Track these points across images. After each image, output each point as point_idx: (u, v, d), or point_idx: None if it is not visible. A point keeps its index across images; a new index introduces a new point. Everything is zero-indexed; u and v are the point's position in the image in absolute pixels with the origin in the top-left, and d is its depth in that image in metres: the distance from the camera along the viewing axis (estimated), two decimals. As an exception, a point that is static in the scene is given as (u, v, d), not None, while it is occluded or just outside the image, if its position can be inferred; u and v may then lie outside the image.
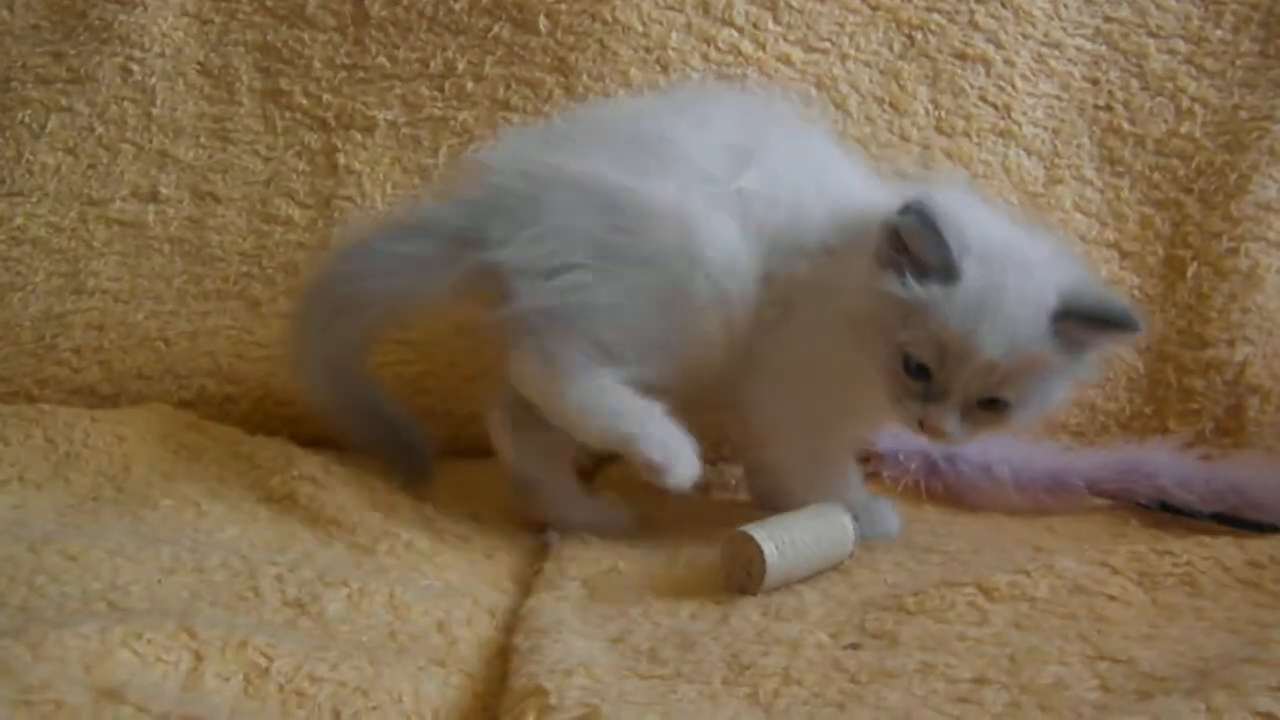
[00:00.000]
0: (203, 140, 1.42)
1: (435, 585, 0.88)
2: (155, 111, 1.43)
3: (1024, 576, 0.81)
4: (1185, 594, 0.81)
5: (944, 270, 0.93)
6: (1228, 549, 0.86)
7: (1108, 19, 1.40)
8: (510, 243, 1.03)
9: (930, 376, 0.95)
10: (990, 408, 0.96)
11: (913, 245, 0.93)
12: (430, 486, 1.11)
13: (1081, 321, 0.95)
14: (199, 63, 1.45)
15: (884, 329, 0.95)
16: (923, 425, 0.97)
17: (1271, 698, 0.56)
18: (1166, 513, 1.09)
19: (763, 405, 1.05)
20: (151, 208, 1.40)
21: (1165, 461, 1.12)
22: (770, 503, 1.03)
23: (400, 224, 1.12)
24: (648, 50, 1.37)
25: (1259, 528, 1.01)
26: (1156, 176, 1.36)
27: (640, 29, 1.37)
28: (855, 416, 1.07)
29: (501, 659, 0.77)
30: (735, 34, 1.38)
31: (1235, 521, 1.05)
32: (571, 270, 1.02)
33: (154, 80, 1.44)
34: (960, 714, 0.62)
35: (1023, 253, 0.96)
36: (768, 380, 1.04)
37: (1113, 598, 0.80)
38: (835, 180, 1.07)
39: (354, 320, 1.10)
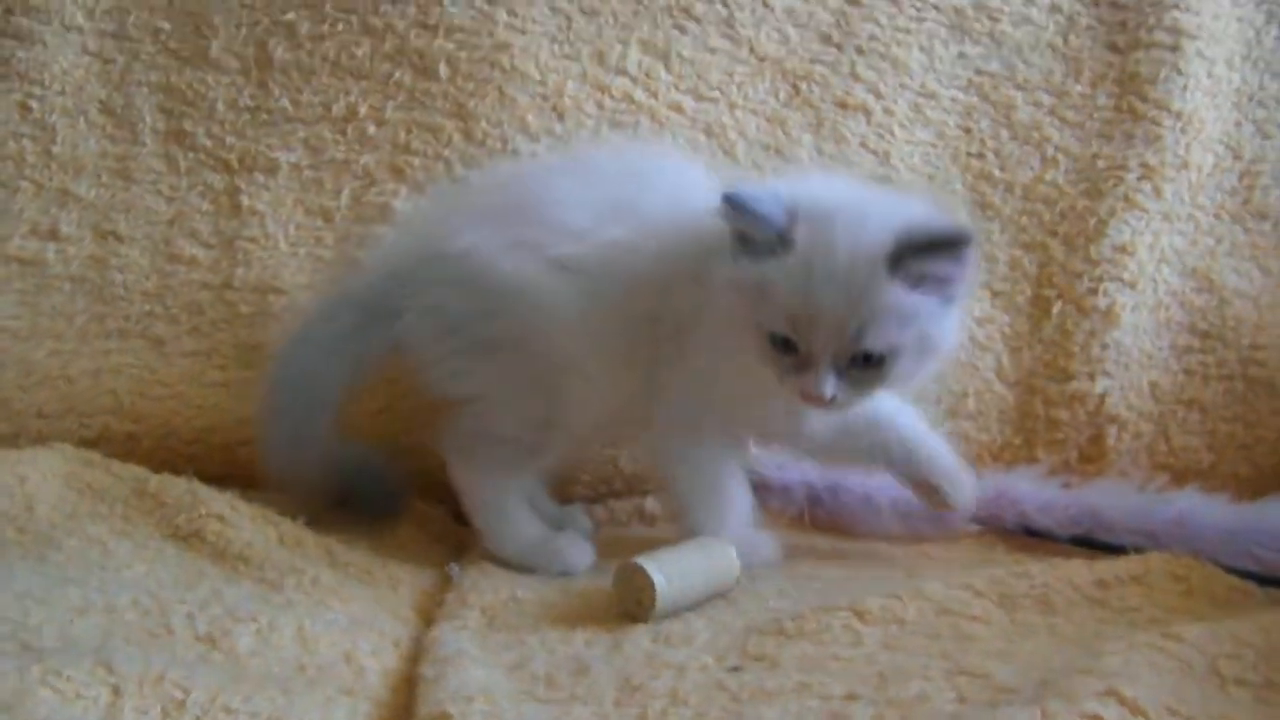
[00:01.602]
0: (104, 179, 1.43)
1: (341, 618, 0.91)
2: (55, 149, 1.43)
3: (895, 600, 0.88)
4: (1040, 612, 0.89)
5: (778, 243, 0.98)
6: (1079, 570, 0.94)
7: (979, 72, 1.48)
8: (405, 316, 1.13)
9: (795, 348, 0.99)
10: (866, 365, 0.99)
11: (742, 231, 1.00)
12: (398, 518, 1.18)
13: (916, 254, 0.97)
14: (100, 101, 1.45)
15: (745, 317, 1.00)
16: (803, 396, 1.00)
17: (1099, 702, 0.63)
18: (1030, 537, 1.17)
19: (665, 436, 1.11)
20: (52, 246, 1.40)
21: (1028, 489, 1.20)
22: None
23: (326, 299, 1.22)
24: (544, 98, 1.42)
25: (1111, 549, 1.09)
26: (1024, 220, 1.44)
27: (537, 77, 1.42)
28: (756, 424, 1.12)
29: (407, 687, 0.81)
30: (629, 83, 1.43)
31: (1091, 544, 1.13)
32: (451, 357, 1.12)
33: (54, 118, 1.44)
34: (830, 729, 0.68)
35: (859, 208, 1.00)
36: (669, 409, 1.09)
37: (975, 618, 0.87)
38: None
39: (311, 402, 1.16)
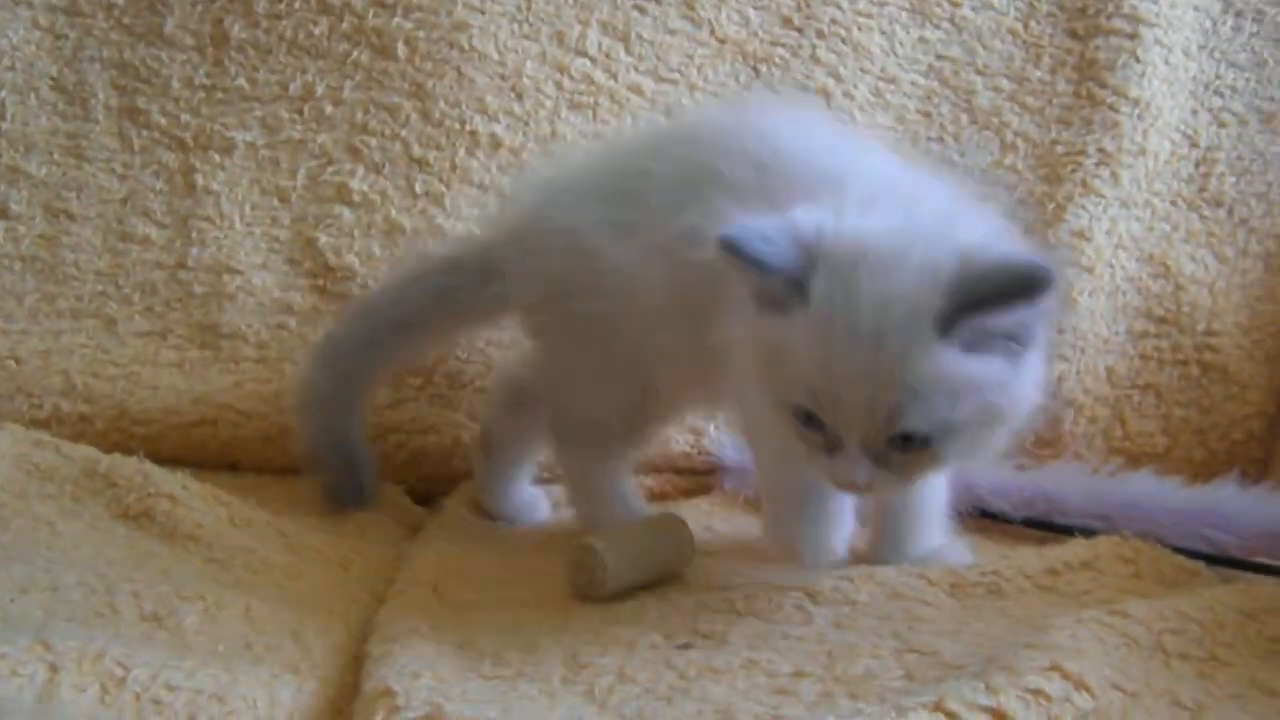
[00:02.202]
0: (56, 157, 1.42)
1: (290, 597, 0.91)
2: (5, 126, 1.42)
3: (847, 582, 0.88)
4: (990, 598, 0.89)
5: (794, 291, 0.80)
6: (1030, 558, 0.94)
7: (939, 57, 1.49)
8: (510, 279, 1.10)
9: (820, 424, 0.81)
10: (908, 447, 0.80)
11: (747, 280, 0.82)
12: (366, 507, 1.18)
13: (976, 309, 0.76)
14: (52, 78, 1.44)
15: (763, 383, 0.84)
16: (834, 482, 0.84)
17: (1044, 677, 0.63)
18: (985, 519, 1.18)
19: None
20: (1, 224, 1.39)
21: (983, 472, 1.20)
22: None
23: (433, 255, 1.26)
24: (503, 78, 1.41)
25: (1065, 530, 1.10)
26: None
27: (496, 57, 1.42)
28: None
29: (354, 666, 0.80)
30: (588, 64, 1.43)
31: (1044, 525, 1.13)
32: (549, 329, 1.10)
33: (3, 94, 1.42)
34: (777, 704, 0.68)
35: (899, 241, 0.79)
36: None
37: (926, 602, 0.87)
38: None
39: (398, 338, 1.17)
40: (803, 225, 0.80)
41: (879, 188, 0.86)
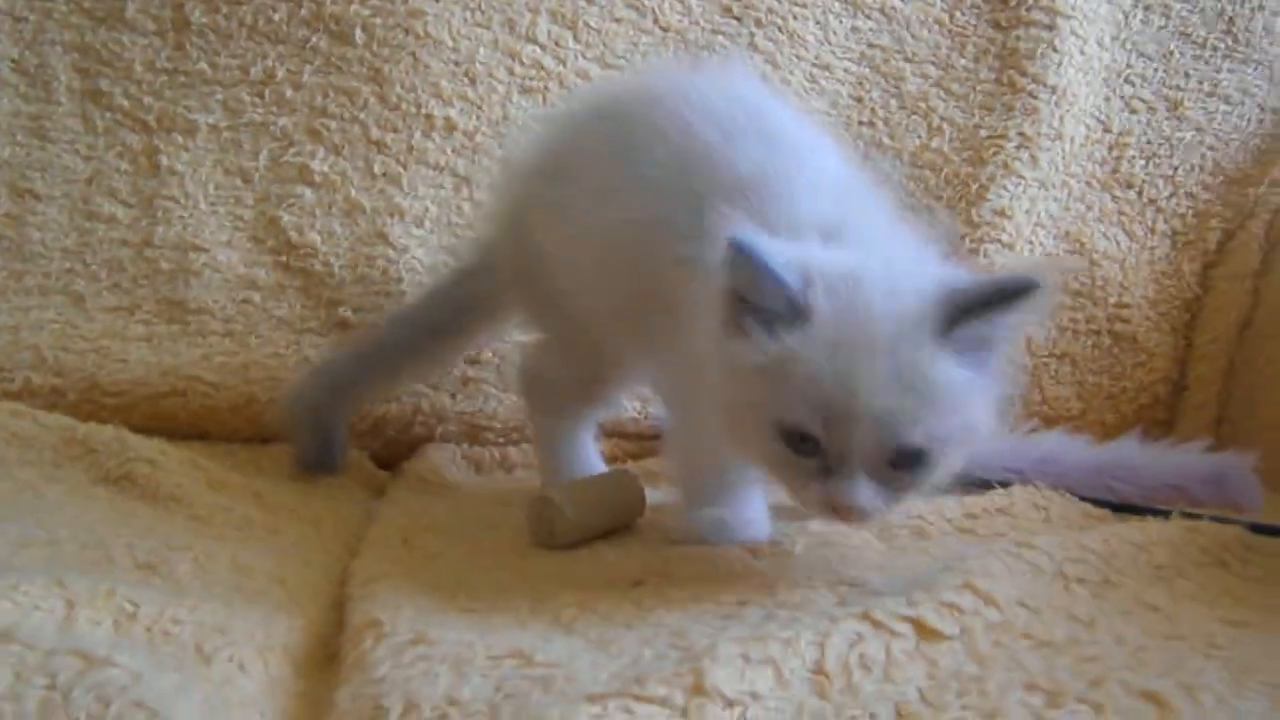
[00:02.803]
0: (19, 138, 1.45)
1: (272, 550, 0.97)
2: (-33, 108, 1.45)
3: (784, 537, 0.96)
4: (914, 539, 0.98)
5: (791, 312, 0.78)
6: (950, 505, 1.03)
7: (871, 45, 1.57)
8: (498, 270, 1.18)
9: (820, 447, 0.78)
10: (905, 463, 0.79)
11: (749, 293, 0.79)
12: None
13: (977, 314, 0.78)
14: (13, 60, 1.47)
15: (755, 409, 0.80)
16: (835, 511, 0.80)
17: (956, 593, 0.72)
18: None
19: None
20: (-34, 205, 1.42)
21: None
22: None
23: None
24: (457, 64, 1.47)
25: (984, 484, 1.18)
26: (911, 185, 1.53)
27: (450, 43, 1.48)
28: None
29: (337, 609, 0.87)
30: (538, 50, 1.50)
31: (966, 480, 1.22)
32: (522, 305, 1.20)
33: (-36, 77, 1.45)
34: (725, 626, 0.76)
35: (869, 264, 0.80)
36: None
37: (856, 546, 0.95)
38: None
39: (434, 342, 1.26)
40: (788, 251, 0.80)
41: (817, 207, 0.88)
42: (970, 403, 0.79)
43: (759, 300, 0.78)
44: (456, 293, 1.24)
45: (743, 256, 0.77)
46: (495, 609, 0.81)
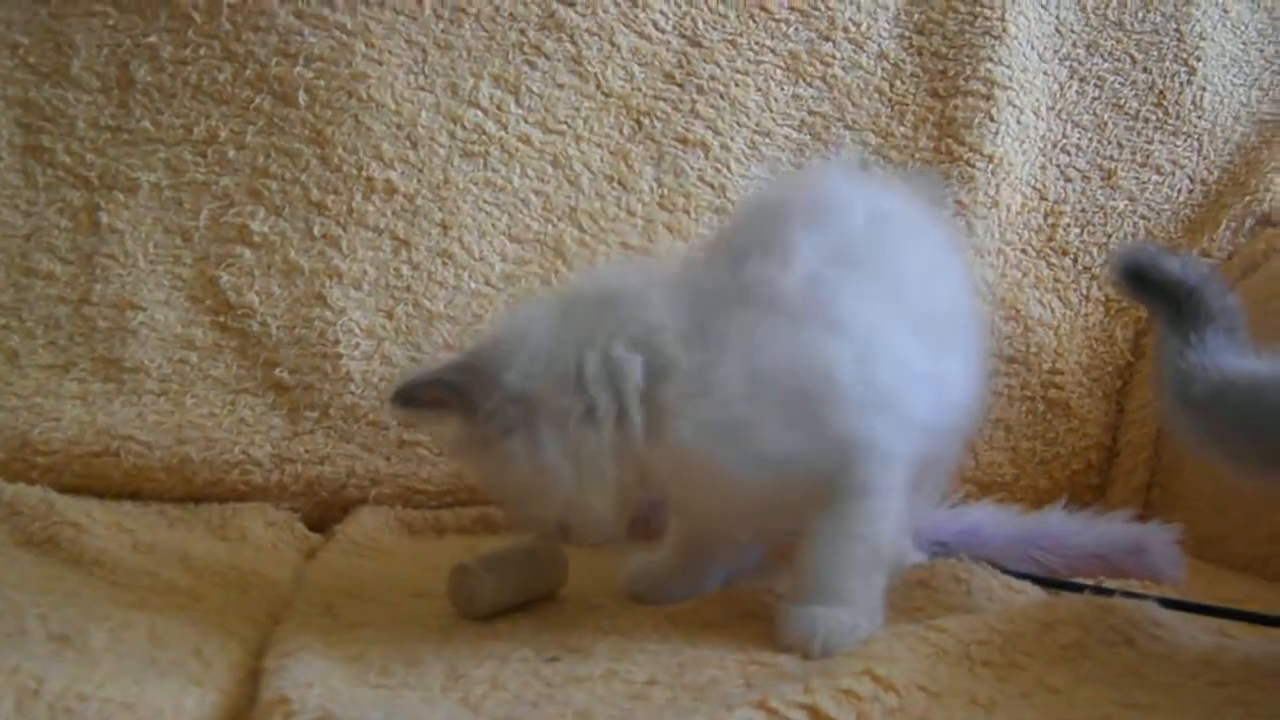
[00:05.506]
0: (-42, 193, 1.45)
1: (191, 616, 0.97)
2: (-94, 161, 1.44)
3: (705, 604, 0.97)
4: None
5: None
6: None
7: (811, 112, 1.60)
8: None
9: None
10: None
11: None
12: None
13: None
14: (-46, 115, 1.48)
15: None
16: None
17: (855, 680, 0.73)
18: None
19: None
20: (-99, 259, 1.42)
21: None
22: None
23: None
24: (399, 126, 1.49)
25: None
26: (850, 251, 1.56)
27: (393, 106, 1.49)
28: None
29: (252, 680, 0.87)
30: (480, 114, 1.51)
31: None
32: None
33: (-95, 131, 1.45)
34: (631, 708, 0.76)
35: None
36: None
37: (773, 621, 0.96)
38: None
39: None
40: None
41: None
42: None
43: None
44: None
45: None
46: (407, 685, 0.81)
